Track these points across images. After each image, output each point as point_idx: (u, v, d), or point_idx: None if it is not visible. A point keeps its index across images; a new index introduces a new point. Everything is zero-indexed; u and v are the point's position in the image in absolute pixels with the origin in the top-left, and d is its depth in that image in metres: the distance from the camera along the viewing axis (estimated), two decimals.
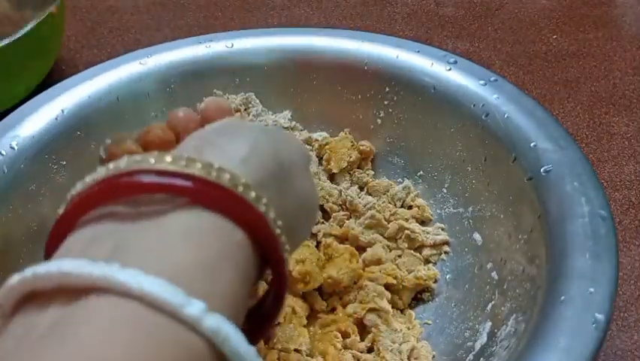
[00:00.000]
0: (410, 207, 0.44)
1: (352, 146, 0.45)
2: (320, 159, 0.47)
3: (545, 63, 0.60)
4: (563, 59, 0.60)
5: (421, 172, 0.45)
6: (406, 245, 0.42)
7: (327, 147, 0.46)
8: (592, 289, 0.29)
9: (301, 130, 0.47)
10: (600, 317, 0.28)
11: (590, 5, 0.66)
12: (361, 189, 0.46)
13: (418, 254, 0.42)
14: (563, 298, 0.29)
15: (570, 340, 0.28)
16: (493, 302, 0.36)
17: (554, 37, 0.63)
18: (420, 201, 0.44)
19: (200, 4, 0.69)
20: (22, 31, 0.51)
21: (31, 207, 0.39)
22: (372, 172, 0.46)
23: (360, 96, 0.46)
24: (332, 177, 0.46)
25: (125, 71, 0.45)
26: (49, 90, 0.44)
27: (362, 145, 0.46)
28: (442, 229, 0.42)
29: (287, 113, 0.47)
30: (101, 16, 0.69)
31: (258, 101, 0.46)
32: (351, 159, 0.45)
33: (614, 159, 0.50)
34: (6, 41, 0.50)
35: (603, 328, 0.28)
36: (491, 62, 0.59)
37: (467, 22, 0.65)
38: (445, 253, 0.42)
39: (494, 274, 0.37)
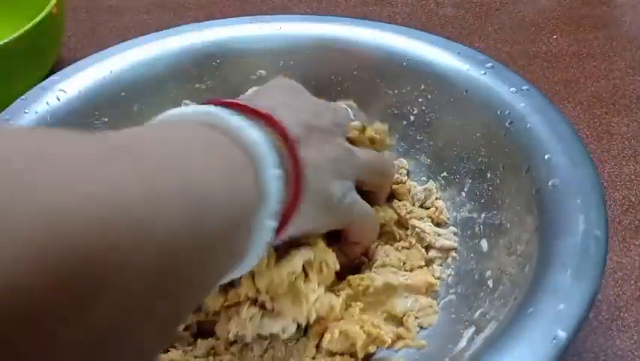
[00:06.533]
0: (428, 208, 0.44)
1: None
2: None
3: (545, 63, 0.60)
4: (563, 59, 0.60)
5: (445, 173, 0.44)
6: (414, 240, 0.42)
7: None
8: (562, 306, 0.29)
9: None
10: (562, 334, 0.28)
11: (590, 5, 0.66)
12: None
13: (424, 250, 0.42)
14: (530, 310, 0.29)
15: (524, 350, 0.27)
16: (482, 309, 0.36)
17: (554, 37, 0.63)
18: (439, 203, 0.44)
19: (200, 4, 0.69)
20: (22, 31, 0.51)
21: None
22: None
23: (396, 91, 0.46)
24: None
25: (173, 42, 0.48)
26: (103, 52, 0.47)
27: (375, 128, 0.41)
28: (455, 234, 0.42)
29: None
30: (101, 16, 0.69)
31: None
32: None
33: (614, 159, 0.50)
34: (6, 41, 0.50)
35: (562, 346, 0.27)
36: None
37: (467, 22, 0.65)
38: (453, 258, 0.41)
39: (490, 283, 0.37)
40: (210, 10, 0.68)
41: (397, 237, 0.42)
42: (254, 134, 0.28)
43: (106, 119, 0.44)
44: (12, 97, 0.53)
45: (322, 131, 0.34)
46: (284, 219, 0.30)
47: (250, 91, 0.43)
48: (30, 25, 0.52)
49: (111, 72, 0.45)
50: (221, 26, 0.49)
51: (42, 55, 0.57)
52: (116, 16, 0.68)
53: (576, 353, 0.39)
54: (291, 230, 0.32)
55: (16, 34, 0.51)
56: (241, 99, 0.33)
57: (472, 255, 0.41)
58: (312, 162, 0.32)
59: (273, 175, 0.28)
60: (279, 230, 0.30)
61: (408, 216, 0.43)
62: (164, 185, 0.20)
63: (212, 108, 0.29)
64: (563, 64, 0.59)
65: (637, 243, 0.45)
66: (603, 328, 0.40)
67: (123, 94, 0.45)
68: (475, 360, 0.29)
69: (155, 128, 0.28)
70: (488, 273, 0.38)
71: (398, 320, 0.38)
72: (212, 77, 0.48)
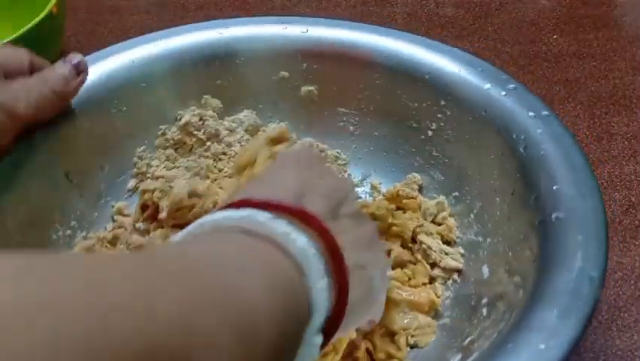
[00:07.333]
0: (440, 224, 0.43)
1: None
2: None
3: (545, 63, 0.60)
4: (563, 59, 0.60)
5: (457, 193, 0.44)
6: (420, 256, 0.42)
7: None
8: (542, 346, 0.28)
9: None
10: None
11: (590, 5, 0.66)
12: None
13: (429, 267, 0.41)
14: (509, 345, 0.29)
15: None
16: (472, 337, 0.35)
17: (554, 37, 0.63)
18: (450, 220, 0.43)
19: (200, 4, 0.69)
20: (22, 31, 0.51)
21: (96, 123, 0.45)
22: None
23: (416, 104, 0.45)
24: None
25: (191, 38, 0.48)
26: (123, 43, 0.48)
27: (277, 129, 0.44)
28: (462, 255, 0.42)
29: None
30: (101, 16, 0.69)
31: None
32: None
33: (614, 159, 0.50)
34: (6, 41, 0.50)
35: None
36: (491, 62, 0.59)
37: (467, 22, 0.65)
38: (454, 280, 0.41)
39: (484, 311, 0.37)
40: (210, 10, 0.68)
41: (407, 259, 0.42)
42: (301, 241, 0.27)
43: (124, 108, 0.46)
44: None
45: (352, 217, 0.32)
46: (329, 328, 0.28)
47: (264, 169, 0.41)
48: (30, 25, 0.52)
49: (133, 62, 0.46)
50: (245, 25, 0.49)
51: (42, 55, 0.56)
52: (116, 16, 0.68)
53: (576, 353, 0.39)
54: (334, 337, 0.30)
55: (16, 34, 0.51)
56: (266, 189, 0.31)
57: (472, 279, 0.40)
58: (353, 262, 0.29)
59: (321, 287, 0.27)
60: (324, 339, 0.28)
61: (418, 229, 0.42)
62: (216, 309, 0.21)
63: (251, 213, 0.27)
64: (563, 64, 0.59)
65: (637, 243, 0.45)
66: (603, 328, 0.40)
67: (144, 85, 0.46)
68: None
69: (201, 244, 0.27)
70: (484, 300, 0.37)
71: (392, 337, 0.38)
72: (228, 75, 0.48)
